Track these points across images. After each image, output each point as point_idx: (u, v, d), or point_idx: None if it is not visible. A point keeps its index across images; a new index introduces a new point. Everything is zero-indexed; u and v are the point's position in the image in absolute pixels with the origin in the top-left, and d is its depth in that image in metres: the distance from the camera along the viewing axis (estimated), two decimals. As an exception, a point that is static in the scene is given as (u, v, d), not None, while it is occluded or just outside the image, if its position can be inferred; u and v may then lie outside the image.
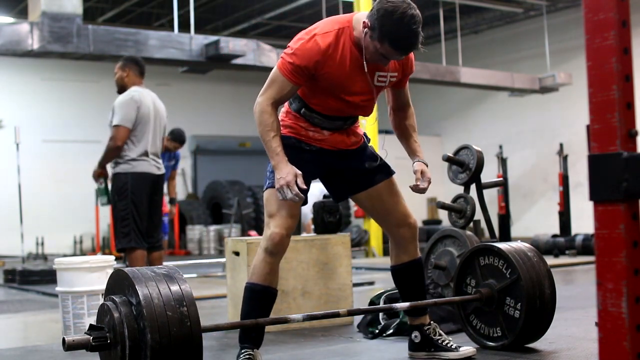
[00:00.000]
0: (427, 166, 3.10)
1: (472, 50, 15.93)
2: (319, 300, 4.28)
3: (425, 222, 15.77)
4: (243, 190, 15.41)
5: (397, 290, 3.92)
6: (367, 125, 7.52)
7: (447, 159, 4.21)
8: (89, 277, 4.05)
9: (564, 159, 11.77)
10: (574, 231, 11.08)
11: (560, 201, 11.40)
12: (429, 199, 16.04)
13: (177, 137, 8.02)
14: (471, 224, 4.38)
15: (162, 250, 5.35)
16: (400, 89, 3.14)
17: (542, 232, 11.24)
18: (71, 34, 8.55)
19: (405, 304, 3.14)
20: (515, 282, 3.22)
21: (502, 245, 3.32)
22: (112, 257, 4.27)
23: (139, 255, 5.02)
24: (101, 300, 3.23)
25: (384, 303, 3.96)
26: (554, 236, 10.40)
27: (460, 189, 4.35)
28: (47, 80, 16.09)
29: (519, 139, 16.03)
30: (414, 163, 3.12)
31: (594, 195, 1.57)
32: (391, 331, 3.80)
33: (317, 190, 5.78)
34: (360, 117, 3.18)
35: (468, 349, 3.18)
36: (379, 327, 3.87)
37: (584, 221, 10.14)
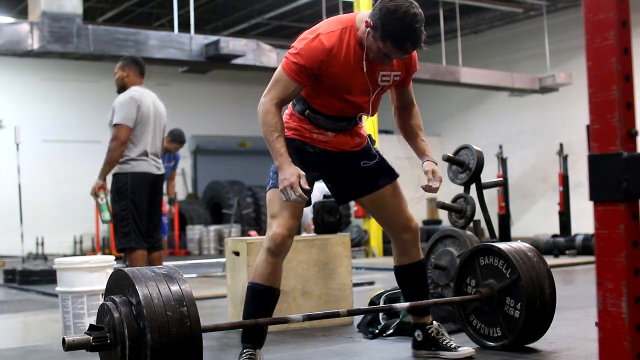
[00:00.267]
0: (437, 165, 3.10)
1: (472, 50, 15.93)
2: (319, 300, 4.28)
3: (425, 222, 15.77)
4: (243, 190, 15.42)
5: (397, 290, 3.93)
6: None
7: (447, 159, 4.21)
8: (89, 277, 4.05)
9: (564, 159, 11.77)
10: (574, 231, 11.08)
11: (560, 201, 11.40)
12: (429, 199, 16.04)
13: (176, 138, 8.02)
14: (471, 224, 4.38)
15: (162, 251, 5.34)
16: (404, 88, 3.14)
17: (542, 232, 11.24)
18: (71, 34, 8.55)
19: (405, 304, 3.15)
20: (515, 282, 3.22)
21: (502, 245, 3.32)
22: (112, 257, 4.28)
23: (139, 255, 5.01)
24: (101, 300, 3.23)
25: (384, 303, 3.96)
26: (554, 236, 10.40)
27: (460, 189, 4.35)
28: (47, 80, 16.09)
29: (519, 139, 16.03)
30: (423, 163, 3.10)
31: (594, 195, 1.57)
32: (391, 331, 3.80)
33: (317, 190, 5.77)
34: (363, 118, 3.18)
35: (467, 349, 3.18)
36: (379, 327, 3.87)
37: (584, 221, 10.14)
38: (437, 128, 17.84)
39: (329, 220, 4.61)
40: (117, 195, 5.04)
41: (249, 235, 9.27)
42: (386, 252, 11.56)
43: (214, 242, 14.41)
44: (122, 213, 5.01)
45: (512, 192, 13.49)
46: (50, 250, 14.18)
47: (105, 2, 14.87)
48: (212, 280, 7.88)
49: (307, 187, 2.84)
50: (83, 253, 14.42)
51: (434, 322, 3.27)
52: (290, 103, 3.05)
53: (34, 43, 8.41)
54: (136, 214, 5.02)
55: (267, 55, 10.33)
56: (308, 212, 7.58)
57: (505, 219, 11.90)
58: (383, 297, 4.05)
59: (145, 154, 5.08)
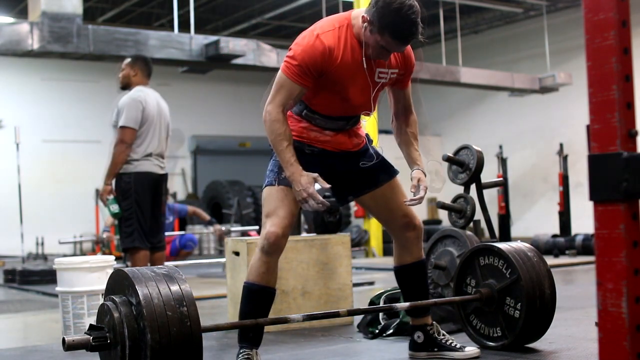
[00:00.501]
0: (425, 175, 3.07)
1: (472, 50, 15.93)
2: (319, 300, 4.28)
3: (425, 222, 15.76)
4: (243, 190, 15.41)
5: (397, 290, 3.93)
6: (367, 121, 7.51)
7: (447, 159, 4.21)
8: (89, 277, 4.05)
9: (564, 159, 11.76)
10: (574, 231, 11.07)
11: (560, 201, 11.39)
12: (429, 199, 16.04)
13: None
14: (471, 224, 4.38)
15: (164, 251, 5.33)
16: (401, 89, 3.13)
17: (542, 232, 11.23)
18: (71, 34, 8.55)
19: (405, 304, 3.14)
20: (515, 282, 3.22)
21: (502, 245, 3.32)
22: (112, 257, 4.28)
23: (141, 255, 4.99)
24: (101, 300, 3.24)
25: (384, 303, 3.96)
26: (554, 236, 10.40)
27: (460, 189, 4.35)
28: (47, 80, 16.08)
29: (519, 139, 16.03)
30: (412, 171, 3.07)
31: (594, 195, 1.57)
32: (391, 331, 3.80)
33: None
34: (361, 117, 3.17)
35: (473, 349, 3.18)
36: (379, 327, 3.87)
37: (584, 221, 10.13)
38: (437, 128, 17.84)
39: (329, 220, 4.61)
40: (121, 195, 5.03)
41: (249, 235, 9.27)
42: (386, 252, 11.56)
43: (214, 242, 14.41)
44: (125, 213, 5.01)
45: (512, 192, 13.49)
46: (50, 250, 14.17)
47: (105, 2, 14.86)
48: (212, 280, 7.88)
49: (327, 186, 2.84)
50: (83, 253, 14.42)
51: (434, 322, 3.26)
52: None
53: (34, 43, 8.41)
54: (140, 214, 5.00)
55: (267, 55, 10.33)
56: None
57: (505, 219, 11.90)
58: (383, 297, 4.04)
59: (150, 154, 5.08)
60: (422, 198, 2.98)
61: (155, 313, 2.33)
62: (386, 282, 7.09)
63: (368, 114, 3.09)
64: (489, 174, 6.95)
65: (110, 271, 3.94)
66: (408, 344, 3.30)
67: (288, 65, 2.84)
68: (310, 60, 2.80)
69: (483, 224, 4.33)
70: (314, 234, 4.58)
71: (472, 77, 13.30)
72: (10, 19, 14.39)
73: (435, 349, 3.20)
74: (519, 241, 3.51)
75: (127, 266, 4.97)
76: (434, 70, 12.72)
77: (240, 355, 2.90)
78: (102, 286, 3.66)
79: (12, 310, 5.95)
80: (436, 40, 14.55)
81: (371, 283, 7.17)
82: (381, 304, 3.94)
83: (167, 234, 6.19)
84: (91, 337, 2.43)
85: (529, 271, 3.22)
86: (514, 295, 3.23)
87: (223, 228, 8.26)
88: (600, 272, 1.57)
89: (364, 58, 2.86)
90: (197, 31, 11.39)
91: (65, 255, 7.94)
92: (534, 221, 15.29)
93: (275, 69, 3.01)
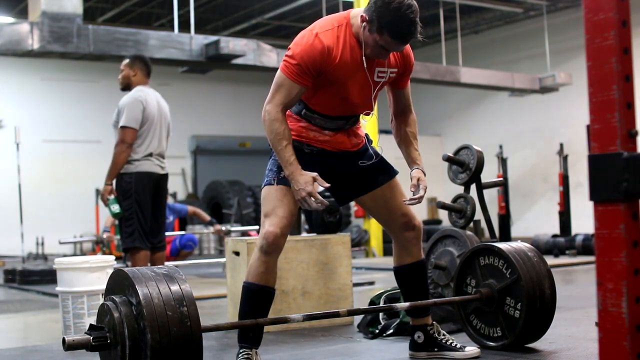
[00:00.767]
0: (425, 175, 3.07)
1: (472, 50, 15.93)
2: (319, 300, 4.28)
3: (425, 222, 15.76)
4: (243, 190, 15.41)
5: (397, 290, 3.93)
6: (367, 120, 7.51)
7: (447, 159, 4.21)
8: (89, 277, 4.05)
9: (564, 159, 11.77)
10: (574, 231, 11.08)
11: (560, 201, 11.40)
12: (429, 199, 16.05)
13: None
14: (471, 224, 4.38)
15: (164, 251, 5.33)
16: (400, 89, 3.12)
17: (542, 232, 11.24)
18: (71, 34, 8.55)
19: (406, 304, 3.14)
20: (515, 282, 3.22)
21: (502, 245, 3.32)
22: (112, 257, 4.27)
23: (142, 255, 4.99)
24: (101, 300, 3.24)
25: (384, 303, 3.96)
26: (554, 236, 10.40)
27: (460, 189, 4.35)
28: (47, 80, 16.09)
29: (519, 139, 16.03)
30: (412, 171, 3.07)
31: (594, 195, 1.57)
32: (391, 331, 3.80)
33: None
34: (360, 117, 3.17)
35: (473, 349, 3.18)
36: (379, 327, 3.87)
37: (584, 221, 10.14)
38: (437, 128, 17.84)
39: (329, 220, 4.61)
40: (122, 195, 5.03)
41: (249, 235, 9.27)
42: (386, 252, 11.56)
43: (214, 242, 14.41)
44: (126, 213, 5.01)
45: (512, 192, 13.49)
46: (50, 250, 14.18)
47: (105, 2, 14.87)
48: (212, 280, 7.89)
49: (326, 185, 2.84)
50: (83, 253, 14.42)
51: (434, 322, 3.26)
52: None
53: (34, 43, 8.41)
54: (140, 214, 5.00)
55: (267, 55, 10.33)
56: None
57: (505, 219, 11.90)
58: (383, 297, 4.04)
59: (150, 154, 5.08)
60: (421, 197, 2.98)
61: (155, 313, 2.33)
62: (386, 282, 7.09)
63: (368, 114, 3.08)
64: (489, 174, 6.95)
65: (110, 271, 3.94)
66: (408, 344, 3.30)
67: (287, 65, 2.84)
68: (309, 60, 2.80)
69: (483, 224, 4.33)
70: (314, 234, 4.58)
71: (472, 77, 13.31)
72: (10, 19, 14.40)
73: (436, 349, 3.19)
74: (519, 241, 3.51)
75: (127, 266, 4.97)
76: (434, 70, 12.72)
77: (240, 355, 2.90)
78: (102, 286, 3.66)
79: (12, 310, 5.95)
80: (436, 40, 14.56)
81: (371, 283, 7.17)
82: (381, 304, 3.94)
83: (167, 234, 6.18)
84: (91, 337, 2.43)
85: (529, 271, 3.21)
86: (514, 295, 3.23)
87: (223, 228, 8.26)
88: (600, 272, 1.57)
89: (363, 57, 2.86)
90: (197, 31, 11.40)
91: (65, 255, 7.95)
92: (534, 221, 15.29)
93: (276, 69, 3.01)
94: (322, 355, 3.43)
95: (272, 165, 3.00)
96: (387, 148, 3.22)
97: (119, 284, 2.52)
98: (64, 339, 2.39)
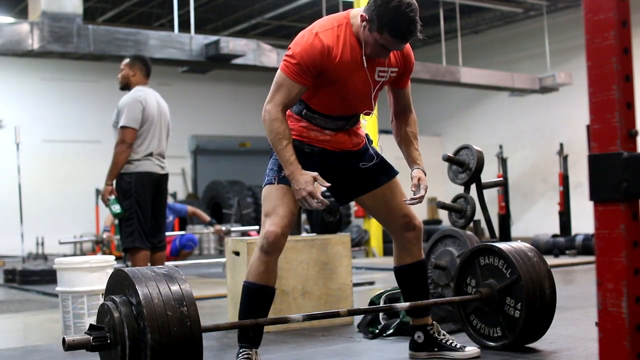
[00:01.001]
0: (425, 175, 3.07)
1: (472, 50, 15.93)
2: (319, 300, 4.28)
3: (425, 222, 15.76)
4: (243, 190, 15.41)
5: (397, 290, 3.93)
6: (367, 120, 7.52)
7: (447, 159, 4.21)
8: (89, 277, 4.05)
9: (564, 159, 11.77)
10: (574, 231, 11.08)
11: (560, 201, 11.40)
12: (429, 199, 16.05)
13: None
14: (471, 224, 4.38)
15: (164, 251, 5.33)
16: (401, 89, 3.13)
17: (542, 232, 11.24)
18: (71, 34, 8.55)
19: (406, 304, 3.14)
20: (515, 282, 3.22)
21: (502, 245, 3.32)
22: (112, 257, 4.27)
23: (142, 255, 4.99)
24: (101, 300, 3.24)
25: (384, 303, 3.96)
26: (554, 236, 10.40)
27: (460, 189, 4.35)
28: (47, 80, 16.09)
29: (519, 139, 16.03)
30: (412, 170, 3.07)
31: (594, 195, 1.57)
32: (391, 331, 3.80)
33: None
34: (361, 117, 3.17)
35: (473, 349, 3.18)
36: (379, 327, 3.87)
37: (584, 221, 10.14)
38: (437, 128, 17.84)
39: (329, 220, 4.61)
40: (122, 195, 5.03)
41: (249, 235, 9.27)
42: (386, 252, 11.56)
43: (214, 242, 14.41)
44: (126, 213, 5.01)
45: (512, 192, 13.49)
46: (50, 250, 14.18)
47: (105, 2, 14.87)
48: (212, 280, 7.89)
49: (326, 185, 2.84)
50: (83, 253, 14.42)
51: (434, 322, 3.26)
52: None
53: (34, 43, 8.41)
54: (140, 214, 5.00)
55: (267, 55, 10.33)
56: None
57: (505, 219, 11.90)
58: (383, 297, 4.04)
59: (150, 154, 5.08)
60: (422, 197, 2.98)
61: (155, 313, 2.33)
62: (386, 282, 7.09)
63: (368, 114, 3.08)
64: (489, 174, 6.95)
65: (110, 271, 3.94)
66: (408, 344, 3.30)
67: (287, 64, 2.84)
68: (309, 59, 2.80)
69: (483, 224, 4.33)
70: (314, 234, 4.58)
71: (472, 77, 13.31)
72: (10, 19, 14.40)
73: (436, 349, 3.19)
74: (519, 241, 3.51)
75: (127, 266, 4.97)
76: (434, 70, 12.73)
77: (240, 355, 2.90)
78: (102, 286, 3.66)
79: (12, 310, 5.95)
80: (436, 40, 14.56)
81: (371, 283, 7.17)
82: (381, 304, 3.94)
83: (167, 234, 6.18)
84: (91, 337, 2.43)
85: (529, 271, 3.21)
86: (514, 295, 3.23)
87: (223, 228, 8.26)
88: (600, 272, 1.57)
89: (364, 57, 2.86)
90: (197, 31, 11.39)
91: (65, 255, 7.95)
92: (534, 221, 15.29)
93: (276, 69, 3.01)
94: (322, 355, 3.43)
95: (273, 164, 3.00)
96: (387, 148, 3.22)
97: (119, 284, 2.52)
98: (64, 339, 2.39)
